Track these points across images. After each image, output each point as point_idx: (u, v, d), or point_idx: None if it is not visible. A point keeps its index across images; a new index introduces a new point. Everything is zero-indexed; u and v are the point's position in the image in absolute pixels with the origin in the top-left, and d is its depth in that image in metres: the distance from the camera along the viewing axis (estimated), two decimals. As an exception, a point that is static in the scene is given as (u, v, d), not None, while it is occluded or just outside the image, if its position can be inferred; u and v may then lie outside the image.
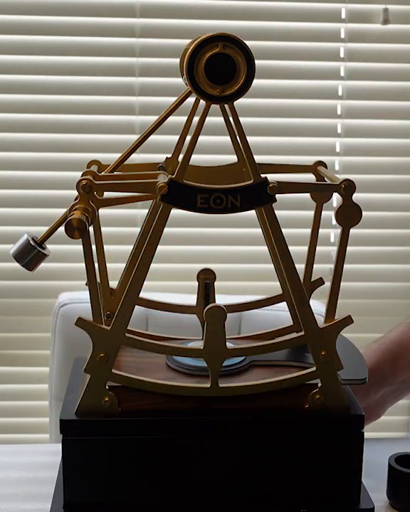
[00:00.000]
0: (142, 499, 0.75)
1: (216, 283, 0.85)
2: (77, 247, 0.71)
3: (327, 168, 0.84)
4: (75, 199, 0.71)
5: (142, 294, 0.77)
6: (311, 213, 0.85)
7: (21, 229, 1.52)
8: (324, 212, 0.85)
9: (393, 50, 1.52)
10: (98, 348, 0.72)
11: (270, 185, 0.70)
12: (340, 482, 0.76)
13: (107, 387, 0.73)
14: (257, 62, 0.69)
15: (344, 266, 0.74)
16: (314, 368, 0.74)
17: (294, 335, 0.77)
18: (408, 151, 1.56)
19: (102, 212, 0.82)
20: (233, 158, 0.85)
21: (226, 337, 0.73)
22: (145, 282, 0.72)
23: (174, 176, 0.70)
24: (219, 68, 0.68)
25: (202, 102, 0.71)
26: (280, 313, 0.91)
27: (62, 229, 0.68)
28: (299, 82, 1.52)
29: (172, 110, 0.73)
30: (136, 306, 0.72)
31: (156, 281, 1.51)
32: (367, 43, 1.52)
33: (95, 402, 0.73)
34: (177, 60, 0.84)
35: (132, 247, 0.84)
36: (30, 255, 0.79)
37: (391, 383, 0.95)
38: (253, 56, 0.68)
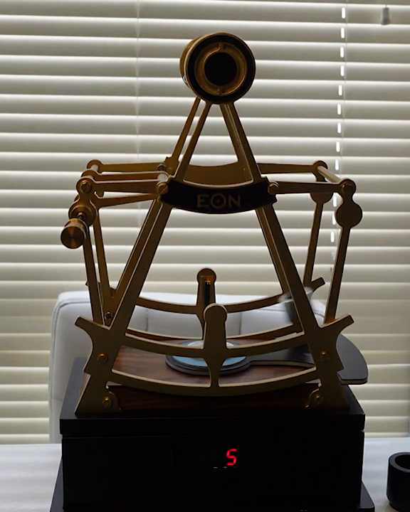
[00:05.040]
0: (141, 499, 0.75)
1: (216, 283, 0.85)
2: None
3: (327, 168, 0.84)
4: (75, 199, 0.71)
5: (142, 294, 0.77)
6: (311, 213, 0.85)
7: (21, 229, 1.52)
8: (324, 212, 0.85)
9: (393, 50, 1.52)
10: (98, 348, 0.72)
11: (270, 185, 0.70)
12: (340, 482, 0.76)
13: (107, 387, 0.73)
14: (257, 62, 0.69)
15: (344, 266, 0.74)
16: (314, 368, 0.74)
17: (294, 335, 0.77)
18: (408, 151, 1.56)
19: (102, 212, 0.82)
20: (233, 158, 0.85)
21: (226, 337, 0.73)
22: (145, 282, 0.72)
23: (174, 176, 0.70)
24: (219, 68, 0.68)
25: (202, 102, 0.71)
26: (280, 313, 0.91)
27: (61, 228, 0.68)
28: (299, 82, 1.52)
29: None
30: (136, 306, 0.72)
31: (156, 281, 1.51)
32: (367, 43, 1.52)
33: (95, 402, 0.73)
34: (177, 60, 0.84)
35: (132, 247, 0.84)
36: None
37: None
38: (253, 56, 0.68)
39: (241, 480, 0.75)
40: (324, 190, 0.78)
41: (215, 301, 0.83)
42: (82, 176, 0.73)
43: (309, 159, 0.85)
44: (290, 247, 0.72)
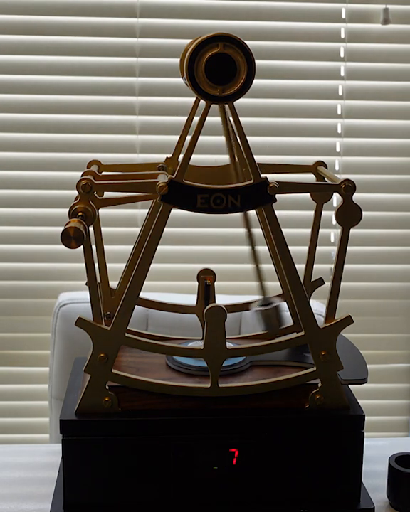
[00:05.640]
0: (141, 499, 0.75)
1: (216, 283, 0.85)
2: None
3: (327, 168, 0.84)
4: (75, 199, 0.71)
5: (142, 294, 0.77)
6: (311, 213, 0.85)
7: (21, 229, 1.52)
8: (324, 212, 0.85)
9: (393, 50, 1.52)
10: (98, 348, 0.72)
11: (270, 185, 0.70)
12: (340, 482, 0.76)
13: (107, 387, 0.73)
14: (257, 62, 0.69)
15: (344, 266, 0.74)
16: (314, 368, 0.74)
17: (294, 335, 0.77)
18: (408, 151, 1.56)
19: (102, 212, 0.82)
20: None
21: (226, 337, 0.73)
22: (145, 282, 0.72)
23: (174, 176, 0.70)
24: (219, 68, 0.68)
25: (202, 102, 0.71)
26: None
27: (61, 228, 0.68)
28: (299, 82, 1.52)
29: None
30: (136, 306, 0.72)
31: (156, 281, 1.51)
32: (367, 43, 1.52)
33: (95, 402, 0.73)
34: (177, 60, 0.84)
35: (132, 247, 0.84)
36: (271, 318, 0.80)
37: None
38: (253, 56, 0.68)
39: (241, 480, 0.75)
40: (324, 190, 0.78)
41: (215, 301, 0.83)
42: (82, 176, 0.73)
43: (310, 159, 0.85)
44: (290, 247, 0.72)
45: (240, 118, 0.71)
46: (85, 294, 0.74)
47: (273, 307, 0.80)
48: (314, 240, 0.86)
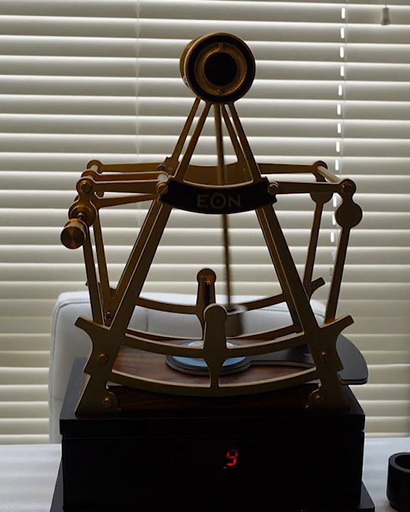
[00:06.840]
0: (141, 499, 0.75)
1: (216, 283, 0.85)
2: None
3: (327, 168, 0.84)
4: (75, 199, 0.71)
5: (142, 294, 0.77)
6: (311, 213, 0.85)
7: (21, 229, 1.52)
8: (324, 212, 0.85)
9: (393, 50, 1.52)
10: (98, 348, 0.72)
11: (270, 185, 0.70)
12: (340, 482, 0.76)
13: (107, 387, 0.73)
14: (257, 62, 0.69)
15: (344, 266, 0.74)
16: (314, 368, 0.74)
17: (294, 335, 0.77)
18: (408, 151, 1.56)
19: (102, 212, 0.82)
20: (233, 158, 0.85)
21: (226, 337, 0.73)
22: (145, 282, 0.72)
23: (174, 176, 0.70)
24: (219, 68, 0.68)
25: (202, 102, 0.71)
26: (280, 313, 0.91)
27: (61, 228, 0.68)
28: (299, 82, 1.52)
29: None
30: (136, 306, 0.72)
31: (156, 281, 1.51)
32: (367, 43, 1.52)
33: (95, 402, 0.73)
34: (177, 60, 0.84)
35: (132, 247, 0.84)
36: (231, 325, 0.79)
37: None
38: (253, 56, 0.68)
39: (241, 480, 0.75)
40: (324, 190, 0.78)
41: (215, 301, 0.83)
42: (82, 176, 0.73)
43: (309, 159, 0.85)
44: (290, 247, 0.72)
45: (240, 118, 0.71)
46: (85, 294, 0.74)
47: (236, 315, 0.80)
48: (314, 240, 0.86)
